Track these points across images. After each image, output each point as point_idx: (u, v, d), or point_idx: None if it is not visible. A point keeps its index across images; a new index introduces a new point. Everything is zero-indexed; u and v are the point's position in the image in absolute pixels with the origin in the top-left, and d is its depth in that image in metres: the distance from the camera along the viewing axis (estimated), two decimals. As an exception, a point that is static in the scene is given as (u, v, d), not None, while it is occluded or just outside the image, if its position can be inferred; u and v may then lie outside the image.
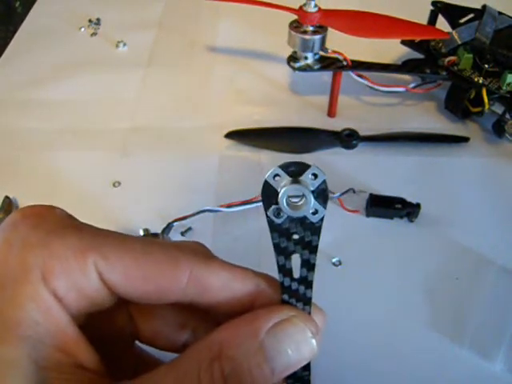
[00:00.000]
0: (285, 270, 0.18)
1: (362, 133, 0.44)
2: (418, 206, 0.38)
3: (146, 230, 0.36)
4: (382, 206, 0.38)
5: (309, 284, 0.18)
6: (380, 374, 0.30)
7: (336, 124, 0.45)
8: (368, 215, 0.38)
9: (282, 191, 0.16)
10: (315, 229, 0.17)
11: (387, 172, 0.42)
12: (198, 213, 0.38)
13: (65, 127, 0.47)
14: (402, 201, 0.38)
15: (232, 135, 0.45)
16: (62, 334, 0.17)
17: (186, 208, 0.38)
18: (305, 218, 0.16)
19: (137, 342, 0.22)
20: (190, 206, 0.38)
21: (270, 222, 0.17)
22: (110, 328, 0.21)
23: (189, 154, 0.44)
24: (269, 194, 0.16)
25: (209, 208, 0.38)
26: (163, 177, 0.42)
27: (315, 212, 0.16)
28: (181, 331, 0.21)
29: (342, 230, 0.37)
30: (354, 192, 0.40)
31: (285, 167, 0.16)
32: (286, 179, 0.16)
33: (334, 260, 0.35)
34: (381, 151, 0.44)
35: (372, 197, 0.38)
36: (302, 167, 0.16)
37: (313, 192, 0.16)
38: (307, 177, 0.16)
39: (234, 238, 0.37)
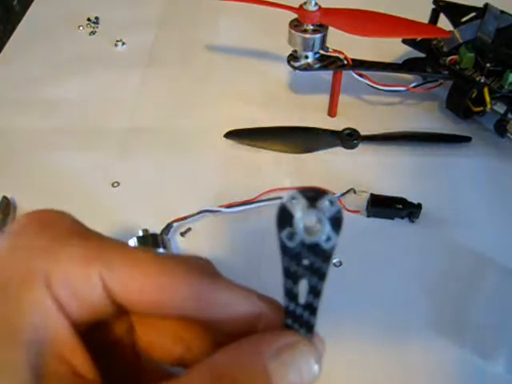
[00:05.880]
0: (291, 295, 0.17)
1: (362, 132, 0.43)
2: (419, 206, 0.37)
3: (145, 231, 0.36)
4: (383, 206, 0.38)
5: (314, 311, 0.18)
6: (380, 374, 0.30)
7: (336, 123, 0.45)
8: (369, 215, 0.38)
9: (299, 215, 0.16)
10: (326, 256, 0.17)
11: (388, 172, 0.42)
12: (197, 213, 0.38)
13: (63, 127, 0.46)
14: (402, 201, 0.38)
15: (232, 135, 0.44)
16: (61, 341, 0.17)
17: (186, 208, 0.38)
18: (317, 244, 0.16)
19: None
20: (190, 207, 0.38)
21: (283, 245, 0.16)
22: (112, 335, 0.21)
23: (188, 153, 0.44)
24: (284, 217, 0.16)
25: (208, 208, 0.38)
26: (162, 177, 0.42)
27: (328, 239, 0.16)
28: (177, 345, 0.21)
29: (342, 231, 0.37)
30: (355, 192, 0.39)
31: (303, 192, 0.16)
32: (303, 203, 0.16)
33: (334, 260, 0.35)
34: (381, 151, 0.43)
35: (373, 197, 0.38)
36: (320, 193, 0.16)
37: (328, 219, 0.16)
38: (324, 203, 0.16)
39: (234, 238, 0.37)
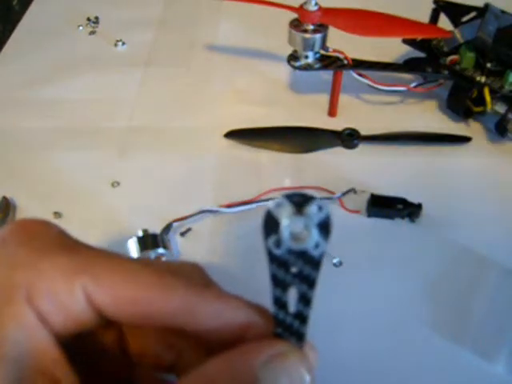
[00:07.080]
0: (280, 303, 0.17)
1: (362, 132, 0.43)
2: (419, 206, 0.37)
3: (145, 231, 0.36)
4: (383, 206, 0.38)
5: (304, 319, 0.17)
6: (381, 375, 0.30)
7: (337, 123, 0.45)
8: (369, 215, 0.38)
9: (285, 222, 0.15)
10: (315, 263, 0.16)
11: (388, 172, 0.42)
12: (197, 213, 0.37)
13: (63, 127, 0.46)
14: (403, 201, 0.38)
15: (232, 135, 0.44)
16: (44, 354, 0.17)
17: (186, 208, 0.38)
18: (305, 250, 0.16)
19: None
20: (190, 207, 0.38)
21: (269, 253, 0.16)
22: (101, 344, 0.20)
23: (188, 153, 0.44)
24: (270, 224, 0.16)
25: (208, 208, 0.38)
26: (162, 177, 0.42)
27: (317, 246, 0.16)
28: (168, 352, 0.21)
29: (342, 231, 0.36)
30: (355, 192, 0.39)
31: (289, 197, 0.15)
32: (289, 210, 0.15)
33: (334, 261, 0.35)
34: (382, 151, 0.43)
35: (373, 197, 0.38)
36: (307, 199, 0.15)
37: (316, 225, 0.15)
38: (311, 209, 0.15)
39: (234, 238, 0.37)
